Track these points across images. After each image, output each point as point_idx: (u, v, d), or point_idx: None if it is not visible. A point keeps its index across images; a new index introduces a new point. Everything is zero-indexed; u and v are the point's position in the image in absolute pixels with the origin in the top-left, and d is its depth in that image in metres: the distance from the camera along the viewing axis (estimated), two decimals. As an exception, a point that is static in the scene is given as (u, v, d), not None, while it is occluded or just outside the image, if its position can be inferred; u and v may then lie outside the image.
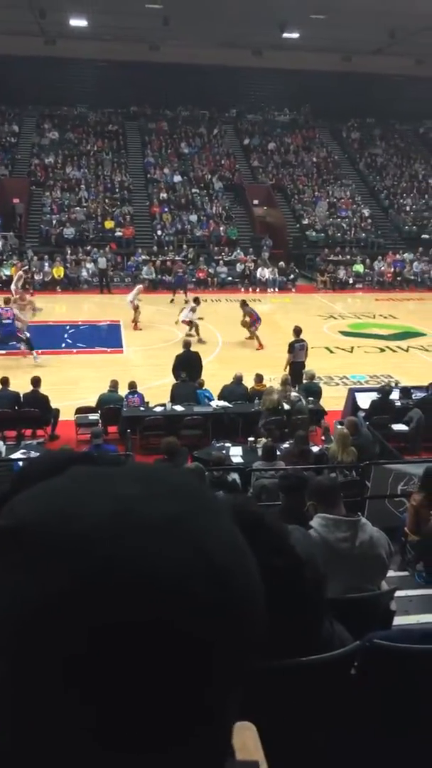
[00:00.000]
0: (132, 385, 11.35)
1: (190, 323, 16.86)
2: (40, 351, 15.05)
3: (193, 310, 16.94)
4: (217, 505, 0.45)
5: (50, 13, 25.60)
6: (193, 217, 27.98)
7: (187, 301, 20.04)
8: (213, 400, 11.49)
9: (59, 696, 0.38)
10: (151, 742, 0.39)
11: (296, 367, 12.89)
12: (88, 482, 0.44)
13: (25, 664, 0.38)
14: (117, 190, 28.94)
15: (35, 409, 10.45)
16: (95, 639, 0.38)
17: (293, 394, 11.10)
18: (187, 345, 13.00)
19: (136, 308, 18.07)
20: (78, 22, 27.43)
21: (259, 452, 8.45)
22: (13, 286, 18.49)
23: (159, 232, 27.16)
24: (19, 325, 15.54)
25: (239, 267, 25.63)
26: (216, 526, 0.43)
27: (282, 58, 31.03)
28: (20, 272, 20.35)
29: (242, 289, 23.89)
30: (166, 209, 28.11)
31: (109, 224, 26.92)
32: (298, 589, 1.44)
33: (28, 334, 15.33)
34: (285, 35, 28.43)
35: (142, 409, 10.99)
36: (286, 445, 9.07)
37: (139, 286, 19.15)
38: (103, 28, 27.60)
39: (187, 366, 12.25)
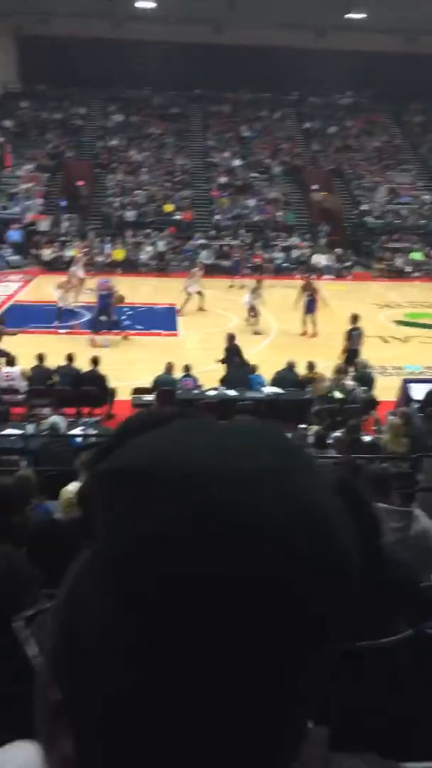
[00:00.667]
0: (187, 368, 11.53)
1: (252, 309, 16.86)
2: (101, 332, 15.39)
3: (254, 292, 16.95)
4: (318, 466, 0.46)
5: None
6: (252, 202, 27.86)
7: (243, 287, 20.08)
8: (265, 385, 11.57)
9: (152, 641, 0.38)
10: (230, 703, 0.38)
11: (350, 354, 12.85)
12: (195, 433, 0.45)
13: (123, 599, 0.39)
14: (178, 173, 29.04)
15: (94, 388, 10.75)
16: (189, 585, 0.37)
17: (349, 382, 11.06)
18: (231, 338, 12.99)
19: (192, 294, 18.09)
20: (145, 4, 27.48)
21: (310, 440, 8.50)
22: (73, 268, 18.91)
23: (217, 217, 27.18)
24: (60, 303, 16.00)
25: (295, 253, 25.45)
26: (319, 485, 0.43)
27: (345, 40, 30.38)
28: (80, 254, 20.64)
29: (298, 276, 23.72)
30: (225, 193, 28.08)
31: (168, 208, 27.07)
32: (384, 578, 1.48)
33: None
34: (350, 15, 27.81)
35: (195, 392, 11.17)
36: (337, 433, 9.08)
37: (194, 270, 19.13)
38: (169, 11, 27.59)
39: (235, 355, 12.37)
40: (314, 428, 9.24)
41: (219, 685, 0.38)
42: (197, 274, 18.67)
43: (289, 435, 6.01)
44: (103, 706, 0.39)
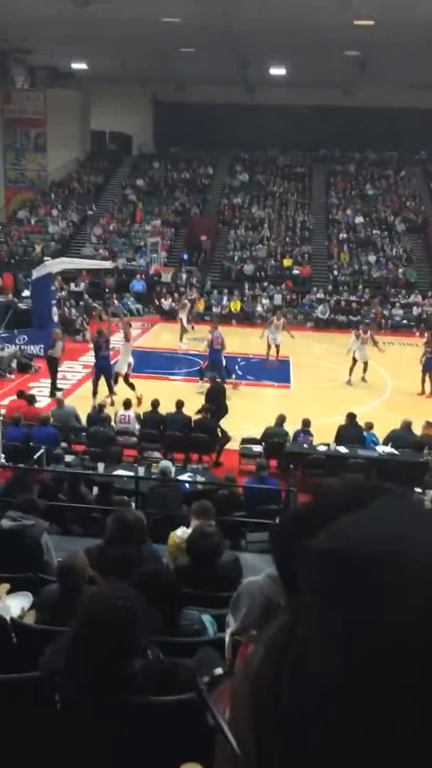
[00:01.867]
0: (306, 423, 11.26)
1: (353, 358, 16.56)
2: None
3: (357, 338, 16.66)
4: None
5: (253, 64, 27.00)
6: (372, 258, 27.65)
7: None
8: (378, 444, 11.14)
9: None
10: None
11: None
12: (412, 518, 0.44)
13: (362, 696, 0.37)
14: (298, 229, 29.48)
15: (204, 435, 10.82)
16: None
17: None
18: (213, 380, 12.90)
19: (272, 343, 17.84)
20: (277, 71, 28.60)
21: (428, 505, 8.00)
22: (180, 315, 19.81)
23: (335, 272, 27.16)
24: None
25: (416, 310, 24.84)
26: None
27: None
28: (185, 301, 21.24)
29: (417, 333, 23.07)
30: (344, 249, 28.08)
31: (287, 262, 27.44)
32: None
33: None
34: None
35: (305, 446, 10.93)
36: (457, 501, 8.52)
37: (272, 318, 18.45)
38: (300, 76, 28.53)
39: (216, 398, 12.18)
40: (431, 494, 8.72)
41: None
42: (275, 323, 18.21)
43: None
44: None
